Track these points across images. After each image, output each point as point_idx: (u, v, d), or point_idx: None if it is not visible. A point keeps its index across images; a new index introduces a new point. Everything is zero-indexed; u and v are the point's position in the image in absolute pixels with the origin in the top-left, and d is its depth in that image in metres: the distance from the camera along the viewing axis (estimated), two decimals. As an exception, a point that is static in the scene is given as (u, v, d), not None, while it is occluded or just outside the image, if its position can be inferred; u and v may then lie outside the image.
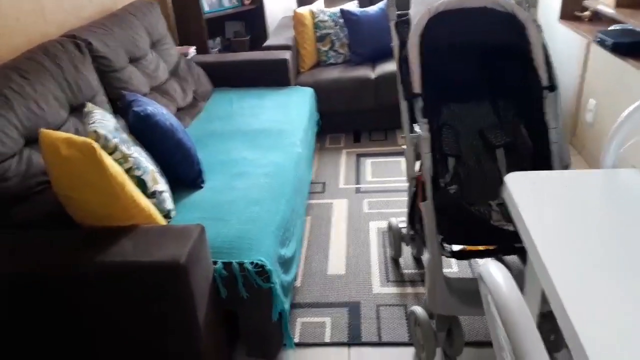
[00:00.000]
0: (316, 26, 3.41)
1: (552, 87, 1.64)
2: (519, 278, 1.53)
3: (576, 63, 2.79)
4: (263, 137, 2.35)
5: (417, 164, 1.69)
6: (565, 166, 1.57)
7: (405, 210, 2.45)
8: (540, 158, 1.65)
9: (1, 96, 1.57)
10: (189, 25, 3.56)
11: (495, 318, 0.76)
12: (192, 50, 3.27)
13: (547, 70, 1.65)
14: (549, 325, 1.44)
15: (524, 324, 0.55)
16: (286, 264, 1.73)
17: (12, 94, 1.61)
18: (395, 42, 1.76)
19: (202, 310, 1.37)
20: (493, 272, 0.64)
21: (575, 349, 0.62)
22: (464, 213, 1.47)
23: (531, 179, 1.07)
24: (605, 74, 2.48)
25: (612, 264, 0.77)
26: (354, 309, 1.87)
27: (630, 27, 2.17)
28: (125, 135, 1.68)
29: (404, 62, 1.67)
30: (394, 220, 2.08)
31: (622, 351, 0.60)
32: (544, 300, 1.09)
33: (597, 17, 2.50)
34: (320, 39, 3.42)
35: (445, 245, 1.51)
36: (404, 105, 1.68)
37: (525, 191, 1.02)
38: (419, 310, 1.61)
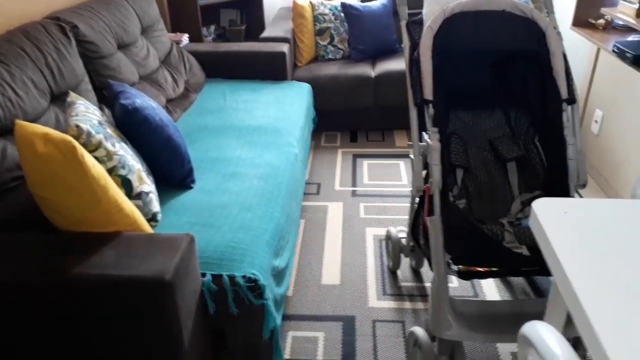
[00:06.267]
0: (316, 19, 3.27)
1: (572, 99, 1.54)
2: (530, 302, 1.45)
3: (583, 71, 2.70)
4: (258, 135, 2.23)
5: (423, 174, 1.58)
6: (582, 185, 1.48)
7: (404, 217, 2.35)
8: (555, 175, 1.55)
9: (-27, 82, 1.42)
10: (182, 12, 3.39)
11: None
12: (185, 38, 3.11)
13: (566, 81, 1.55)
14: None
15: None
16: (279, 275, 1.62)
17: (-14, 79, 1.47)
18: (405, 43, 1.65)
19: (187, 329, 1.25)
20: (547, 338, 0.54)
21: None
22: (476, 234, 1.37)
23: (561, 206, 0.98)
24: (614, 84, 2.39)
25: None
26: (348, 324, 1.77)
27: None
28: (110, 130, 1.54)
29: (414, 65, 1.56)
30: (393, 230, 1.98)
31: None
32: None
33: (611, 26, 2.41)
34: (320, 32, 3.28)
35: (452, 265, 1.41)
36: (413, 112, 1.56)
37: (554, 219, 0.94)
38: (420, 331, 1.51)
